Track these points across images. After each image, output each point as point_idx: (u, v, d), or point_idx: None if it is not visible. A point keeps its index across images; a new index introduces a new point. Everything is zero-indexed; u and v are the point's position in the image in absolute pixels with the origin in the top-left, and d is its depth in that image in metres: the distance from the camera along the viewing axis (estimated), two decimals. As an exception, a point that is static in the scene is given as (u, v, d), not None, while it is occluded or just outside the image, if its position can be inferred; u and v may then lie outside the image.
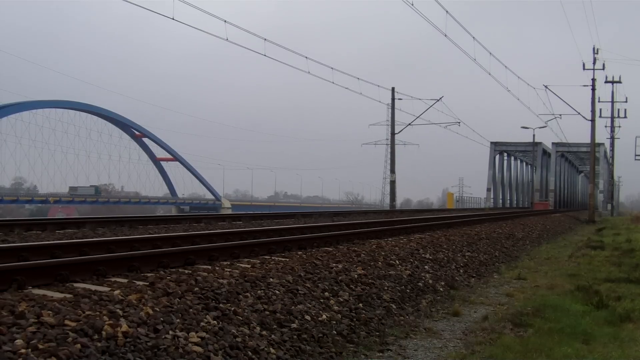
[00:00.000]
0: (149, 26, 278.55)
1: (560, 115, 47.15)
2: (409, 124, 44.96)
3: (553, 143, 67.43)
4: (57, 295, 5.19)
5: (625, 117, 60.88)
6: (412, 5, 21.07)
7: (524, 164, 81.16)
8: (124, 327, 4.46)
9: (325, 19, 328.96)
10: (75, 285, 5.77)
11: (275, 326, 5.83)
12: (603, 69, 49.92)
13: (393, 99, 43.28)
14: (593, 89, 41.88)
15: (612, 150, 63.46)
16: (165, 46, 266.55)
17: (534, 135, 62.10)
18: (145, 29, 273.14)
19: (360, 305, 7.44)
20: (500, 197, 73.08)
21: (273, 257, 8.64)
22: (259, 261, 8.09)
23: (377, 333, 6.81)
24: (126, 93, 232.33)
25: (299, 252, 9.33)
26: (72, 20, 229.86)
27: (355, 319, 6.94)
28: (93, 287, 5.65)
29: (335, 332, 6.36)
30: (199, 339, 4.86)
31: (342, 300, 7.30)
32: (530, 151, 67.26)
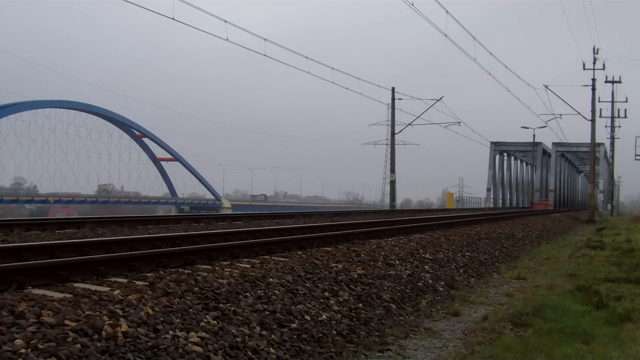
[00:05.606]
0: (148, 26, 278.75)
1: (561, 115, 47.20)
2: (409, 124, 45.01)
3: (553, 143, 67.38)
4: (57, 295, 5.19)
5: (625, 117, 60.91)
6: (412, 5, 21.08)
7: (524, 164, 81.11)
8: (124, 327, 4.46)
9: (328, 25, 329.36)
10: (75, 285, 5.78)
11: (275, 326, 5.83)
12: (603, 69, 49.96)
13: (393, 99, 43.30)
14: (593, 89, 41.89)
15: (612, 150, 63.46)
16: (164, 45, 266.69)
17: (534, 135, 62.14)
18: (144, 29, 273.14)
19: (360, 305, 7.44)
20: (500, 197, 73.02)
21: (273, 257, 8.64)
22: (258, 261, 8.09)
23: (377, 333, 6.81)
24: (125, 92, 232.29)
25: (299, 252, 9.32)
26: (72, 19, 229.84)
27: (355, 319, 6.93)
28: (93, 287, 5.65)
29: (335, 332, 6.36)
30: (199, 339, 4.86)
31: (342, 300, 7.30)
32: (530, 151, 67.23)
